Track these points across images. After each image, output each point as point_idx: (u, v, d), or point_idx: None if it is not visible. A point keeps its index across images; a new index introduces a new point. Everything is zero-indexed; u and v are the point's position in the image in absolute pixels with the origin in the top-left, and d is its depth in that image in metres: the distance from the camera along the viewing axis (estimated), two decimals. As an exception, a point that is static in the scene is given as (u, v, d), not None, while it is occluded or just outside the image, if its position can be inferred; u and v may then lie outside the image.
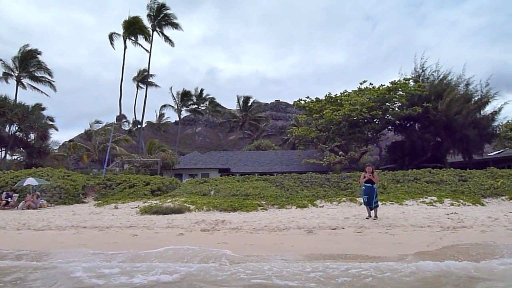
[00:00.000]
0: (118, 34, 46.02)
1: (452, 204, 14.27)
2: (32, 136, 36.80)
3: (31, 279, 5.46)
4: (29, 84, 40.64)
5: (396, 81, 29.00)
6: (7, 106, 33.03)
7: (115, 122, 48.71)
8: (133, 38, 46.45)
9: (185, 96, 58.97)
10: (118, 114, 52.38)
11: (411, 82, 29.91)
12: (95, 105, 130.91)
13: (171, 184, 21.97)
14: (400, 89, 28.63)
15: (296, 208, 14.77)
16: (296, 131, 34.30)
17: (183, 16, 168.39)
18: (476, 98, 29.36)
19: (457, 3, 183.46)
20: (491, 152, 37.06)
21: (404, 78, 29.97)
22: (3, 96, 33.90)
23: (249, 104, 63.54)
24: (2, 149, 36.13)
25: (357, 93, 29.94)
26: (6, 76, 39.03)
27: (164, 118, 66.79)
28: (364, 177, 11.20)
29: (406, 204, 14.61)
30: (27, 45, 39.59)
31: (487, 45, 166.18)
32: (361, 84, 30.75)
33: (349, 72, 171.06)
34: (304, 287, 4.90)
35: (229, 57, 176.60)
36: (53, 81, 41.33)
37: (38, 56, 40.16)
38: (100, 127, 42.42)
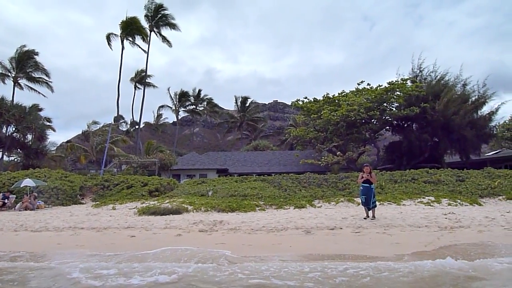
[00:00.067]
0: (115, 34, 45.94)
1: (449, 204, 14.31)
2: (29, 137, 36.69)
3: (27, 280, 5.43)
4: (26, 85, 40.48)
5: (394, 81, 29.08)
6: (4, 107, 32.92)
7: (113, 122, 48.64)
8: (130, 39, 46.36)
9: (183, 96, 58.94)
10: (116, 114, 52.31)
11: (409, 83, 30.00)
12: (93, 106, 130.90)
13: (169, 184, 21.93)
14: (397, 90, 28.71)
15: (294, 208, 14.77)
16: (294, 132, 34.34)
17: (180, 17, 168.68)
18: (473, 99, 29.50)
19: (454, 3, 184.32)
20: (488, 152, 37.22)
21: (402, 78, 30.07)
22: (0, 97, 33.78)
23: (247, 104, 63.57)
24: (-1, 150, 36.01)
25: (355, 93, 30.01)
26: (3, 76, 38.83)
27: (162, 118, 66.80)
28: (362, 177, 11.22)
29: (403, 204, 14.63)
30: (24, 46, 39.46)
31: (484, 46, 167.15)
32: (358, 84, 30.88)
33: (347, 72, 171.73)
34: (302, 286, 4.90)
35: (227, 57, 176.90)
36: (50, 82, 41.20)
37: (35, 56, 40.00)
38: (98, 127, 42.39)
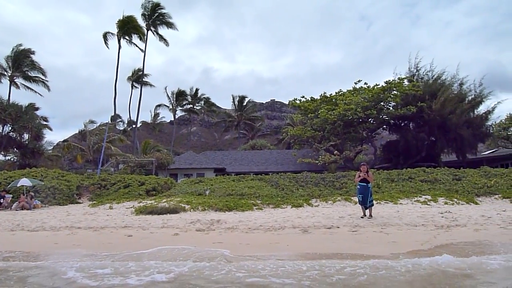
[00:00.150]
0: (112, 33, 45.86)
1: (446, 203, 14.37)
2: (25, 136, 36.48)
3: (22, 279, 5.40)
4: (23, 84, 40.34)
5: (391, 80, 29.14)
6: (0, 106, 32.73)
7: (110, 122, 48.41)
8: (127, 38, 46.25)
9: (180, 95, 58.83)
10: (113, 114, 52.23)
11: (406, 82, 30.09)
12: (90, 105, 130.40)
13: (166, 184, 21.91)
14: (394, 89, 28.77)
15: (291, 207, 14.80)
16: (291, 131, 34.34)
17: (178, 16, 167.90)
18: (470, 98, 29.65)
19: (451, 3, 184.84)
20: (485, 151, 37.41)
21: (399, 77, 30.17)
22: (-4, 96, 33.62)
23: (244, 103, 63.52)
24: (-4, 150, 35.79)
25: (352, 92, 30.03)
26: (-1, 75, 38.70)
27: (159, 118, 66.72)
28: (359, 176, 11.24)
29: (400, 203, 14.69)
30: (20, 45, 39.31)
31: (481, 45, 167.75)
32: (356, 83, 30.89)
33: (344, 72, 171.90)
34: (300, 285, 4.91)
35: (224, 56, 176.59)
36: (47, 81, 41.10)
37: (32, 55, 39.89)
38: (95, 127, 42.15)
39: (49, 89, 41.25)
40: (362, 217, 11.11)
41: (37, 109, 41.38)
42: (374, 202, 12.25)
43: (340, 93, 31.29)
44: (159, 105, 60.34)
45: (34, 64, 39.99)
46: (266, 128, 76.82)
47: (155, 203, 15.15)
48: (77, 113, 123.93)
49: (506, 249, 7.00)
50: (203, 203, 14.83)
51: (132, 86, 55.29)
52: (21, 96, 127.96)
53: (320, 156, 29.59)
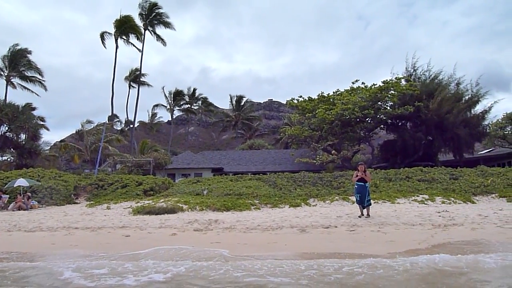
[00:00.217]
0: (109, 33, 45.66)
1: (443, 202, 14.42)
2: (22, 136, 36.28)
3: (18, 280, 5.38)
4: (19, 84, 40.14)
5: (388, 80, 29.23)
6: (-4, 106, 32.60)
7: (107, 122, 48.35)
8: (124, 37, 46.10)
9: (177, 95, 58.74)
10: (110, 113, 51.92)
11: (403, 82, 30.21)
12: (87, 105, 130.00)
13: (164, 184, 21.87)
14: (392, 89, 28.86)
15: (289, 207, 14.80)
16: (289, 130, 34.38)
17: (175, 16, 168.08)
18: (467, 97, 29.79)
19: (448, 3, 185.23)
20: (482, 151, 37.58)
21: (396, 77, 30.29)
22: (-8, 96, 33.47)
23: (242, 103, 63.49)
24: (-8, 150, 35.62)
25: (350, 92, 30.10)
26: (-5, 75, 38.53)
27: (156, 117, 66.49)
28: (357, 175, 11.27)
29: (398, 203, 14.73)
30: (17, 44, 39.13)
31: (478, 45, 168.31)
32: (353, 83, 30.96)
33: (342, 71, 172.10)
34: (298, 284, 4.92)
35: (222, 56, 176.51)
36: (44, 81, 40.88)
37: (28, 55, 39.71)
38: (92, 127, 41.98)
39: (46, 89, 41.11)
40: (359, 217, 11.13)
41: (34, 109, 41.17)
42: (372, 201, 12.28)
43: (337, 92, 31.35)
44: (156, 105, 60.29)
45: (31, 63, 39.83)
46: (264, 128, 76.84)
47: (153, 203, 15.12)
48: (74, 113, 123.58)
49: (503, 248, 7.03)
50: (201, 203, 14.82)
51: (130, 86, 55.18)
52: (17, 96, 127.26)
53: (318, 156, 29.64)
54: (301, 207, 14.69)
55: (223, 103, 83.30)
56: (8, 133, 34.83)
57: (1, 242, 9.11)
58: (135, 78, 52.15)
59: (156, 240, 8.72)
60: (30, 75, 40.23)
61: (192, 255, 6.88)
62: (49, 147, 42.29)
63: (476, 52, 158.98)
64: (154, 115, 65.50)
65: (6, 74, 38.79)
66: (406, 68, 32.24)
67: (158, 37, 46.90)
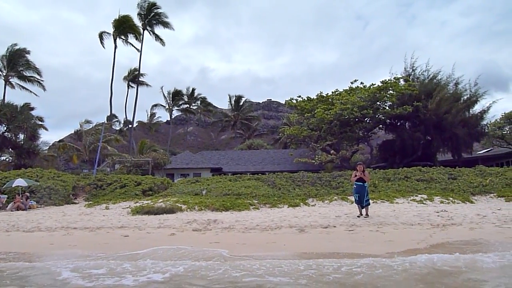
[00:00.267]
0: (108, 33, 45.60)
1: (442, 202, 14.44)
2: (21, 136, 36.23)
3: (16, 280, 5.37)
4: (18, 84, 40.08)
5: (387, 80, 29.24)
6: (-5, 106, 32.54)
7: (106, 121, 48.25)
8: (123, 37, 46.05)
9: (176, 95, 58.66)
10: (109, 113, 51.98)
11: (402, 82, 30.23)
12: (85, 105, 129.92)
13: (162, 184, 21.85)
14: (390, 88, 28.87)
15: (288, 207, 14.80)
16: (288, 130, 34.38)
17: (174, 16, 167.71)
18: (465, 97, 29.85)
19: (447, 3, 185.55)
20: (480, 151, 37.67)
21: (395, 77, 30.29)
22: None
23: (241, 103, 63.47)
24: (-9, 150, 35.54)
25: (348, 92, 30.11)
26: (-6, 75, 38.45)
27: (155, 117, 66.38)
28: (355, 175, 11.27)
29: (396, 202, 14.75)
30: (15, 44, 39.07)
31: (476, 45, 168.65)
32: (352, 83, 30.99)
33: (341, 71, 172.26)
34: (296, 284, 4.92)
35: (221, 56, 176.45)
36: (42, 81, 40.82)
37: (27, 55, 39.67)
38: (91, 127, 41.91)
39: (44, 89, 41.06)
40: (358, 216, 11.14)
41: (32, 109, 41.17)
42: (371, 201, 12.28)
43: (336, 92, 31.35)
44: (155, 105, 60.15)
45: (29, 63, 39.78)
46: (263, 127, 76.88)
47: (152, 203, 15.10)
48: (73, 113, 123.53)
49: (501, 247, 7.04)
50: (199, 203, 14.81)
51: (128, 86, 55.05)
52: (16, 96, 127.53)
53: (317, 156, 29.66)
54: (300, 207, 14.69)
55: (222, 103, 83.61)
56: (6, 133, 34.75)
57: (-1, 242, 9.09)
58: (134, 78, 52.05)
59: (154, 240, 8.71)
60: (29, 75, 40.18)
61: (191, 255, 6.87)
62: (47, 147, 42.21)
63: (474, 52, 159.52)
64: (153, 115, 65.46)
65: (4, 74, 38.72)
66: (404, 68, 32.33)
67: (157, 37, 46.90)
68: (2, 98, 36.44)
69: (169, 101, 58.42)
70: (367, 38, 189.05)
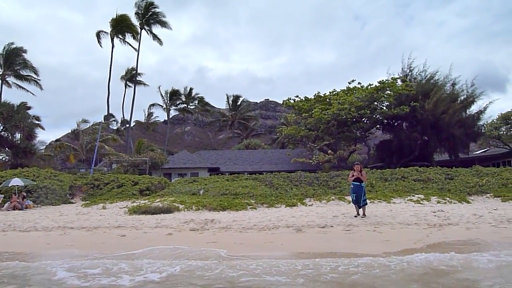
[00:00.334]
0: (105, 32, 45.61)
1: (438, 202, 14.49)
2: (17, 135, 36.05)
3: (11, 280, 5.34)
4: (14, 83, 39.92)
5: (384, 80, 29.30)
6: (-9, 105, 32.39)
7: (103, 121, 48.10)
8: (121, 37, 46.00)
9: (174, 95, 58.57)
10: (106, 113, 51.90)
11: (399, 82, 30.27)
12: (83, 104, 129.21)
13: (160, 183, 21.81)
14: (388, 89, 28.93)
15: (285, 207, 14.80)
16: (285, 130, 34.37)
17: (172, 15, 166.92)
18: (462, 98, 29.96)
19: (444, 3, 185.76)
20: (477, 151, 37.84)
21: (392, 77, 30.36)
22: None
23: (239, 103, 63.52)
24: (-13, 149, 35.37)
25: (346, 92, 30.14)
26: (-10, 74, 38.26)
27: (152, 117, 66.39)
28: (353, 175, 11.28)
29: (393, 202, 14.79)
30: (12, 43, 38.92)
31: (473, 46, 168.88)
32: (349, 83, 30.99)
33: (338, 71, 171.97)
34: (294, 283, 4.92)
35: (218, 56, 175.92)
36: (39, 80, 40.64)
37: (24, 54, 39.50)
38: (88, 126, 41.80)
39: (41, 88, 40.92)
40: (355, 216, 11.16)
41: (29, 108, 40.88)
42: (368, 201, 12.29)
43: (334, 92, 31.38)
44: (152, 105, 60.10)
45: (26, 62, 39.61)
46: (260, 127, 76.84)
47: (149, 203, 15.08)
48: (70, 112, 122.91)
49: (498, 247, 7.08)
50: (197, 202, 14.79)
51: (126, 85, 55.00)
52: (12, 95, 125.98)
53: (314, 156, 29.69)
54: (297, 207, 14.70)
55: (220, 103, 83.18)
56: (3, 132, 34.58)
57: (-5, 242, 9.04)
58: (131, 77, 52.00)
59: (151, 240, 8.70)
60: (26, 74, 40.00)
61: (188, 255, 6.86)
62: (44, 147, 42.02)
63: (471, 53, 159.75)
64: (150, 114, 65.42)
65: (1, 73, 38.54)
66: (402, 68, 32.39)
67: (155, 37, 46.89)
68: (-2, 97, 36.27)
69: (166, 101, 58.36)
70: (364, 38, 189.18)
